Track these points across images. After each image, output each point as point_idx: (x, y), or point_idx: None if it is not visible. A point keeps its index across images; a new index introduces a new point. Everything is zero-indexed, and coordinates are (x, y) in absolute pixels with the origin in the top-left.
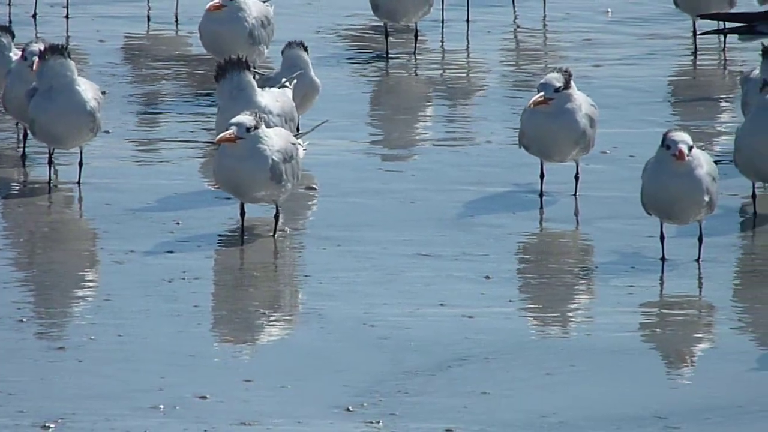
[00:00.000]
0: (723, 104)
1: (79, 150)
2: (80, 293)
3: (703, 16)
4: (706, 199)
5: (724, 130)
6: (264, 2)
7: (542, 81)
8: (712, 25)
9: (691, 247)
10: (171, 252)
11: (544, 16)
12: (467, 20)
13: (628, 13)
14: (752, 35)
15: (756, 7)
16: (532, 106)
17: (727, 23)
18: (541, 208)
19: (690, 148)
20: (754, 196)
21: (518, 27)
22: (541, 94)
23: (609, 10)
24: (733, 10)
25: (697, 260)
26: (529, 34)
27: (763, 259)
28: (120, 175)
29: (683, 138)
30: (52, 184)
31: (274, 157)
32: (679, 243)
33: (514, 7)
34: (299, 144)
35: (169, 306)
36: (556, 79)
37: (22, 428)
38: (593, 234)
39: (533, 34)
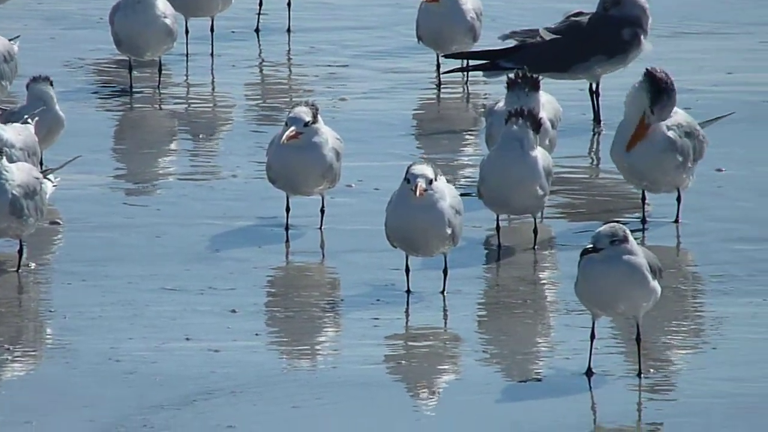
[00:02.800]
0: (467, 137)
1: None
2: None
3: (448, 56)
4: (449, 231)
5: (468, 162)
6: (9, 40)
7: (291, 115)
8: (457, 61)
9: (436, 279)
10: None
11: (289, 50)
12: (212, 54)
13: (372, 47)
14: (496, 71)
15: (498, 44)
16: (285, 141)
17: (470, 60)
18: (287, 241)
19: (430, 182)
20: (498, 227)
21: (263, 61)
22: (293, 128)
23: None
24: (475, 48)
25: (442, 292)
26: (273, 68)
27: (507, 290)
28: None
29: (423, 171)
30: None
31: (14, 192)
32: (424, 275)
33: (258, 41)
34: (45, 179)
35: None
36: (304, 113)
37: None
38: (339, 267)
39: (278, 68)
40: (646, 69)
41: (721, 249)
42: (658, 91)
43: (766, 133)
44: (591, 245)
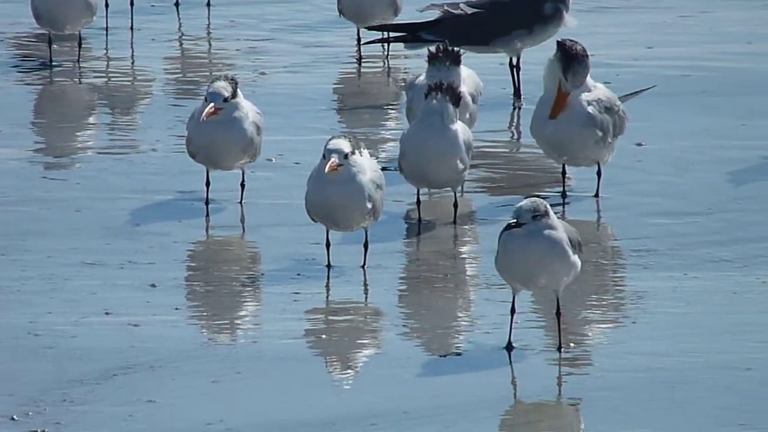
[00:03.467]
0: (388, 111)
1: None
2: None
3: (369, 28)
4: (369, 205)
5: (389, 136)
6: None
7: (210, 90)
8: (377, 33)
9: (356, 253)
10: None
11: (209, 24)
12: (131, 28)
13: (292, 21)
14: (417, 43)
15: (419, 17)
16: (205, 118)
17: (391, 33)
18: (207, 215)
19: (346, 156)
20: (418, 201)
21: (183, 35)
22: (212, 104)
23: None
24: (397, 21)
25: (363, 266)
26: (193, 42)
27: (428, 265)
28: None
29: (338, 146)
30: None
31: None
32: (344, 250)
33: (178, 14)
34: None
35: None
36: (224, 87)
37: None
38: (259, 241)
39: (198, 42)
40: (557, 40)
41: (642, 223)
42: (568, 57)
43: (685, 106)
44: (512, 220)
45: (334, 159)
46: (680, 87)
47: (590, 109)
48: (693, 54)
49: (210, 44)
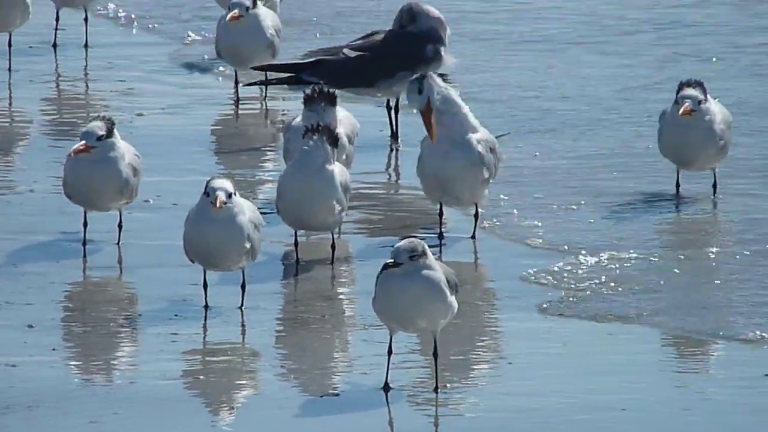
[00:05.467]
0: (266, 153)
1: None
2: None
3: (253, 68)
4: (248, 245)
5: (267, 178)
6: None
7: (84, 129)
8: (260, 74)
9: (234, 294)
10: None
11: (86, 65)
12: (9, 69)
13: (169, 62)
14: (299, 84)
15: (299, 58)
16: (73, 154)
17: (272, 74)
18: (85, 256)
19: (230, 195)
20: (296, 243)
21: (60, 75)
22: (83, 142)
23: None
24: (278, 61)
25: (240, 307)
26: (71, 83)
27: (305, 305)
28: None
29: (223, 185)
30: None
31: None
32: (222, 290)
33: (56, 56)
34: None
35: None
36: (98, 127)
37: None
38: (137, 282)
39: (75, 84)
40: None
41: (517, 264)
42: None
43: (554, 143)
44: (390, 260)
45: (221, 195)
46: (558, 122)
47: (480, 147)
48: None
49: (87, 85)
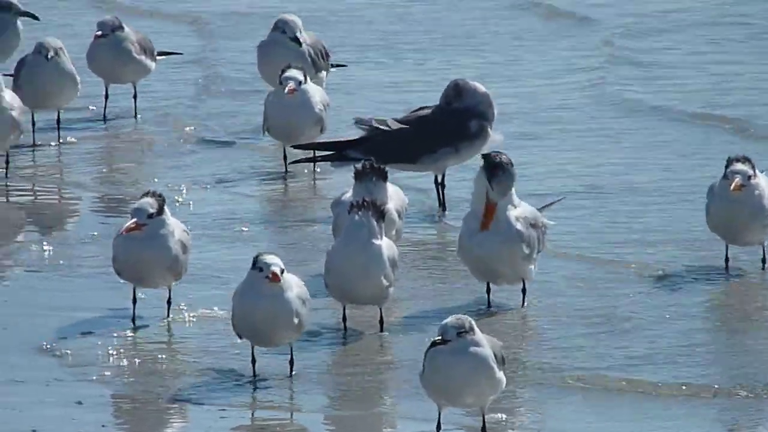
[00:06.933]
0: (314, 227)
1: None
2: None
3: (297, 146)
4: (296, 321)
5: (316, 252)
6: None
7: (136, 206)
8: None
9: (283, 367)
10: None
11: (135, 139)
12: (58, 142)
13: (217, 135)
14: (343, 161)
15: (346, 135)
16: (124, 233)
17: (318, 151)
18: (135, 331)
19: (282, 271)
20: (344, 318)
21: (109, 149)
22: (134, 220)
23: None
24: (323, 139)
25: (289, 382)
26: (120, 153)
27: (354, 379)
28: None
29: (275, 260)
30: None
31: None
32: (271, 362)
33: (105, 129)
34: None
35: None
36: (149, 204)
37: None
38: (186, 356)
39: (124, 155)
40: (483, 153)
41: (568, 335)
42: (493, 167)
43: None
44: (438, 337)
45: (276, 269)
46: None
47: (518, 225)
48: None
49: (137, 159)
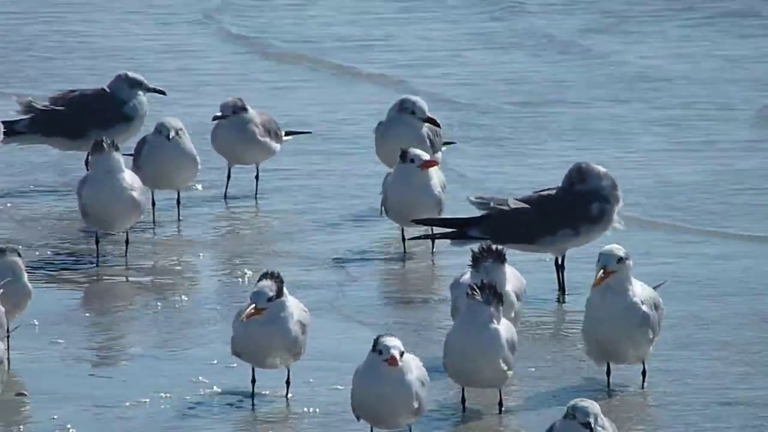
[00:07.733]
0: (433, 307)
1: None
2: None
3: (415, 221)
4: (416, 405)
5: (434, 334)
6: None
7: (255, 290)
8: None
9: None
10: None
11: (256, 213)
12: (178, 220)
13: (332, 215)
14: (464, 240)
15: (470, 212)
16: (244, 319)
17: (437, 228)
18: (253, 409)
19: (402, 354)
20: (463, 399)
21: (230, 229)
22: (253, 305)
23: None
24: (444, 216)
25: None
26: (241, 230)
27: None
28: None
29: (395, 343)
30: None
31: None
32: None
33: (226, 207)
34: None
35: None
36: (268, 287)
37: None
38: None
39: (243, 232)
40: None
41: (689, 411)
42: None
43: None
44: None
45: (396, 353)
46: None
47: (644, 308)
48: None
49: (255, 239)
